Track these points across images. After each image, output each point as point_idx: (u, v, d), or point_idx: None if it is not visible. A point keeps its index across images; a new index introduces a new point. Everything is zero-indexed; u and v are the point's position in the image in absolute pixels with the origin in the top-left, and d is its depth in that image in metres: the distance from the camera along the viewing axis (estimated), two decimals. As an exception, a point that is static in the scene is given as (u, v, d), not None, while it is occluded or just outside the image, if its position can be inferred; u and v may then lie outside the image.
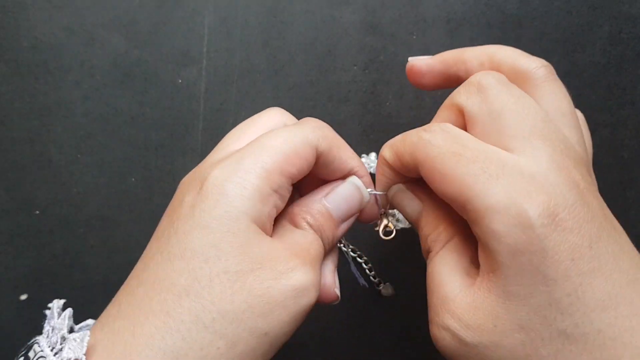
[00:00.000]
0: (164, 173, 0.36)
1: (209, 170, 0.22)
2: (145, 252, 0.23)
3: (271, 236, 0.23)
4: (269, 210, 0.22)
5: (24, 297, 0.35)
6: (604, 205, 0.21)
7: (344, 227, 0.26)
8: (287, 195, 0.23)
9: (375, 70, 0.36)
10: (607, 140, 0.36)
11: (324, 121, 0.36)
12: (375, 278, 0.35)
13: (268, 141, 0.23)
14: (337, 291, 0.25)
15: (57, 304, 0.25)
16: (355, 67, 0.36)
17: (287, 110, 0.36)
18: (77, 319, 0.35)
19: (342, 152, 0.25)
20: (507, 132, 0.21)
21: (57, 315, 0.24)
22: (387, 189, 0.26)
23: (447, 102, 0.25)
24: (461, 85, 0.24)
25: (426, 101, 0.36)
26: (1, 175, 0.36)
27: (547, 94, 0.24)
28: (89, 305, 0.35)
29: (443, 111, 0.25)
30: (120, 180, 0.36)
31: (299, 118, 0.36)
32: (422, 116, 0.36)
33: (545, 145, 0.20)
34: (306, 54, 0.36)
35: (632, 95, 0.36)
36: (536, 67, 0.24)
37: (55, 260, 0.36)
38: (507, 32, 0.36)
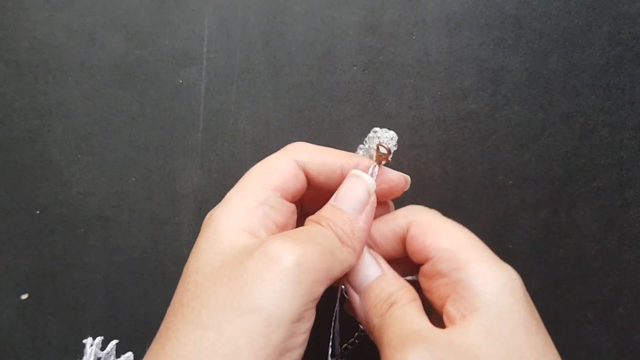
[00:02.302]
0: (164, 173, 0.36)
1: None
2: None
3: None
4: (259, 220, 0.23)
5: (24, 296, 0.35)
6: None
7: (364, 216, 0.25)
8: (284, 208, 0.25)
9: (375, 70, 0.36)
10: (606, 141, 0.36)
11: (324, 121, 0.36)
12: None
13: (250, 171, 0.25)
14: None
15: (90, 342, 0.28)
16: (354, 68, 0.36)
17: (286, 110, 0.36)
18: (78, 318, 0.35)
19: (326, 156, 0.26)
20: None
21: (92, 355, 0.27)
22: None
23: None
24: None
25: (425, 101, 0.36)
26: (1, 175, 0.36)
27: None
28: (89, 305, 0.36)
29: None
30: (120, 180, 0.36)
31: (299, 118, 0.36)
32: (422, 116, 0.36)
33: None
34: (306, 54, 0.36)
35: (631, 95, 0.36)
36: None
37: (56, 260, 0.36)
38: (506, 32, 0.36)
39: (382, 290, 0.25)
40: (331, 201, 0.25)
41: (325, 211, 0.25)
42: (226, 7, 0.36)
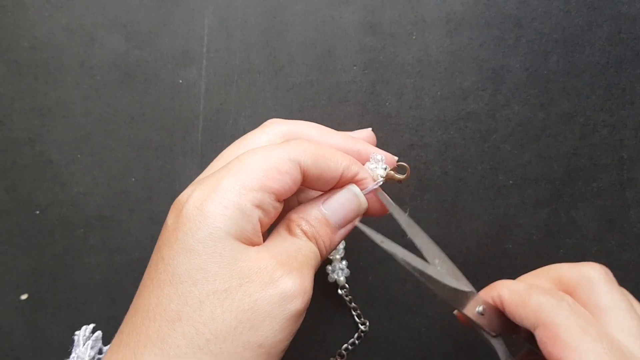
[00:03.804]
0: (164, 173, 0.36)
1: (189, 192, 0.23)
2: (142, 280, 0.23)
3: (263, 244, 0.24)
4: (253, 225, 0.22)
5: (24, 296, 0.35)
6: None
7: (343, 232, 0.26)
8: (273, 210, 0.24)
9: (375, 70, 0.36)
10: (606, 140, 0.36)
11: (324, 122, 0.36)
12: (360, 317, 0.36)
13: (246, 159, 0.23)
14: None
15: (84, 331, 0.26)
16: (354, 68, 0.36)
17: (286, 110, 0.36)
18: (78, 318, 0.35)
19: (329, 161, 0.25)
20: (617, 326, 0.23)
21: (83, 342, 0.25)
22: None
23: (550, 273, 0.26)
24: (570, 266, 0.26)
25: (425, 101, 0.36)
26: (1, 175, 0.36)
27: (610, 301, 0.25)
28: (89, 305, 0.36)
29: (542, 278, 0.27)
30: (120, 180, 0.36)
31: (299, 118, 0.36)
32: (422, 116, 0.36)
33: None
34: (306, 54, 0.36)
35: (631, 95, 0.36)
36: (598, 274, 0.26)
37: (56, 260, 0.36)
38: (506, 32, 0.36)
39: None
40: (321, 205, 0.26)
41: (313, 217, 0.25)
42: (226, 7, 0.36)
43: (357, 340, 0.35)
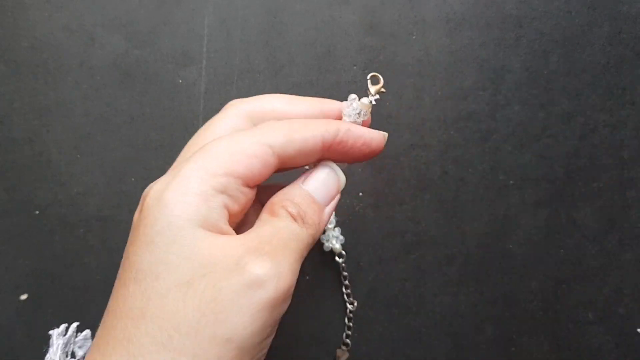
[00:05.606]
0: (164, 173, 0.36)
1: (152, 185, 0.22)
2: None
3: (242, 234, 0.22)
4: (218, 211, 0.21)
5: (24, 297, 0.35)
6: None
7: (329, 210, 0.25)
8: (243, 196, 0.22)
9: (375, 70, 0.36)
10: (607, 140, 0.36)
11: (324, 121, 0.36)
12: (349, 297, 0.35)
13: (210, 147, 0.22)
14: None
15: (56, 332, 0.25)
16: (354, 67, 0.36)
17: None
18: (77, 319, 0.35)
19: (304, 133, 0.23)
20: None
21: (56, 344, 0.24)
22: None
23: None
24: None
25: (425, 101, 0.36)
26: (1, 175, 0.36)
27: None
28: (88, 305, 0.35)
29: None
30: (120, 180, 0.36)
31: (298, 118, 0.36)
32: (422, 116, 0.36)
33: None
34: (306, 54, 0.36)
35: (632, 95, 0.36)
36: None
37: (55, 260, 0.36)
38: (506, 32, 0.36)
39: None
40: (301, 184, 0.25)
41: (297, 197, 0.24)
42: (226, 7, 0.36)
43: (350, 322, 0.35)
